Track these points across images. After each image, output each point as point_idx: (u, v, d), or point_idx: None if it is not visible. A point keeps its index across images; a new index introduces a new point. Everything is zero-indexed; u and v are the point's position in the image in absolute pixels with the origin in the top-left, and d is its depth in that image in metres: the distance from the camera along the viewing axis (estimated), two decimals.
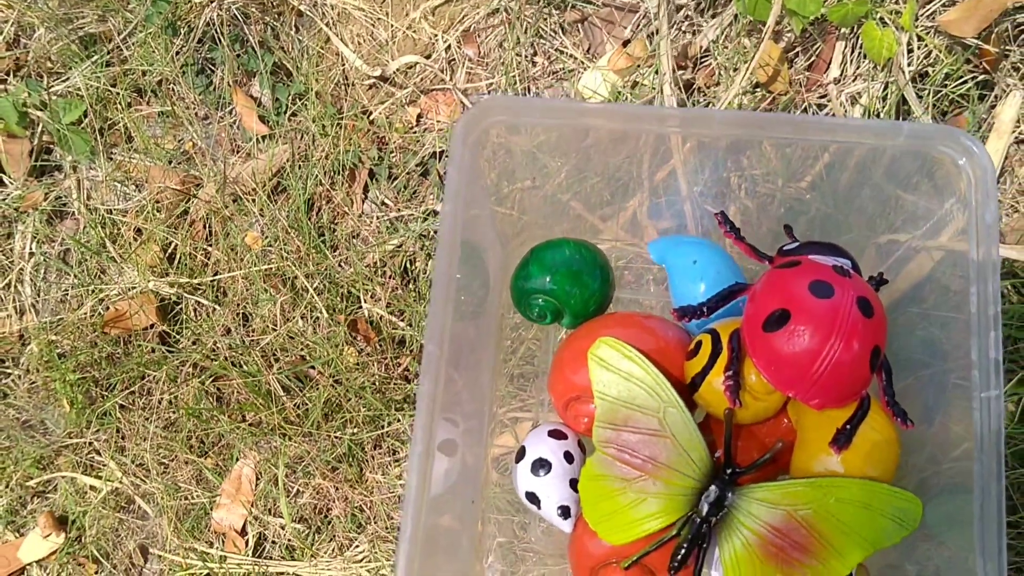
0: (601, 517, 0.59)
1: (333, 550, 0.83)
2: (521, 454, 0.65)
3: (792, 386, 0.54)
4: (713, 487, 0.56)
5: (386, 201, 0.90)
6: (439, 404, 0.55)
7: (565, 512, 0.64)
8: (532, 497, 0.64)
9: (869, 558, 0.55)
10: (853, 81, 0.86)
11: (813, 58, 0.87)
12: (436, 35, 0.92)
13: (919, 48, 0.84)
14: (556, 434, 0.65)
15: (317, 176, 0.89)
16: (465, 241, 0.59)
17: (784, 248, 0.60)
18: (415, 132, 0.91)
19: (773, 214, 0.69)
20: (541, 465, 0.63)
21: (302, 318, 0.86)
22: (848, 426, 0.55)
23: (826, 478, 0.55)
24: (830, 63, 0.86)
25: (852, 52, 0.86)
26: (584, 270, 0.67)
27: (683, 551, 0.57)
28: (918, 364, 0.62)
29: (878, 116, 0.84)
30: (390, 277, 0.86)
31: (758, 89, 0.86)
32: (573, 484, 0.63)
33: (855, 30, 0.85)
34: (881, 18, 0.83)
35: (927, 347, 0.61)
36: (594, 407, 0.60)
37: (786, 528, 0.54)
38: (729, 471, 0.57)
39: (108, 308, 0.89)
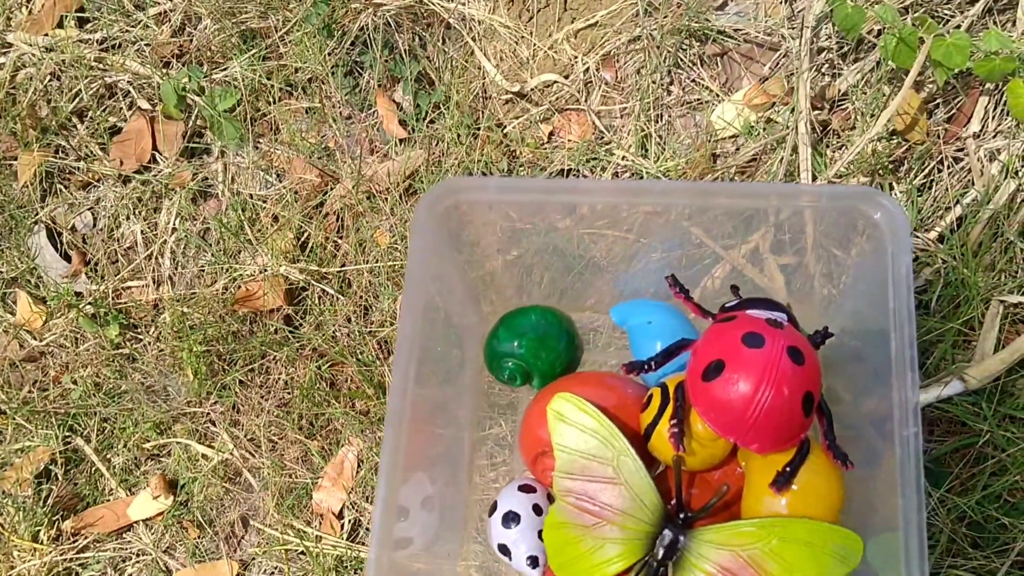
0: (565, 563, 0.61)
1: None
2: (493, 508, 0.68)
3: (731, 431, 0.57)
4: (667, 531, 0.59)
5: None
6: (401, 465, 0.58)
7: (534, 562, 0.66)
8: (503, 549, 0.67)
9: None
10: (993, 137, 0.85)
11: (954, 111, 0.87)
12: (576, 57, 0.95)
13: None
14: (526, 488, 0.68)
15: None
16: (439, 309, 0.65)
17: (725, 305, 0.64)
18: (545, 148, 0.93)
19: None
20: (511, 518, 0.66)
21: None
22: (788, 469, 0.57)
23: (768, 518, 0.57)
24: (971, 117, 0.86)
25: (995, 108, 0.85)
26: (550, 334, 0.73)
27: None
28: (856, 406, 0.65)
29: (1016, 174, 0.82)
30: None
31: (895, 136, 0.85)
32: (541, 535, 0.65)
33: (1000, 86, 0.84)
34: None
35: (864, 391, 0.64)
36: None
37: (735, 568, 0.57)
38: (682, 515, 0.59)
39: (240, 287, 0.94)
